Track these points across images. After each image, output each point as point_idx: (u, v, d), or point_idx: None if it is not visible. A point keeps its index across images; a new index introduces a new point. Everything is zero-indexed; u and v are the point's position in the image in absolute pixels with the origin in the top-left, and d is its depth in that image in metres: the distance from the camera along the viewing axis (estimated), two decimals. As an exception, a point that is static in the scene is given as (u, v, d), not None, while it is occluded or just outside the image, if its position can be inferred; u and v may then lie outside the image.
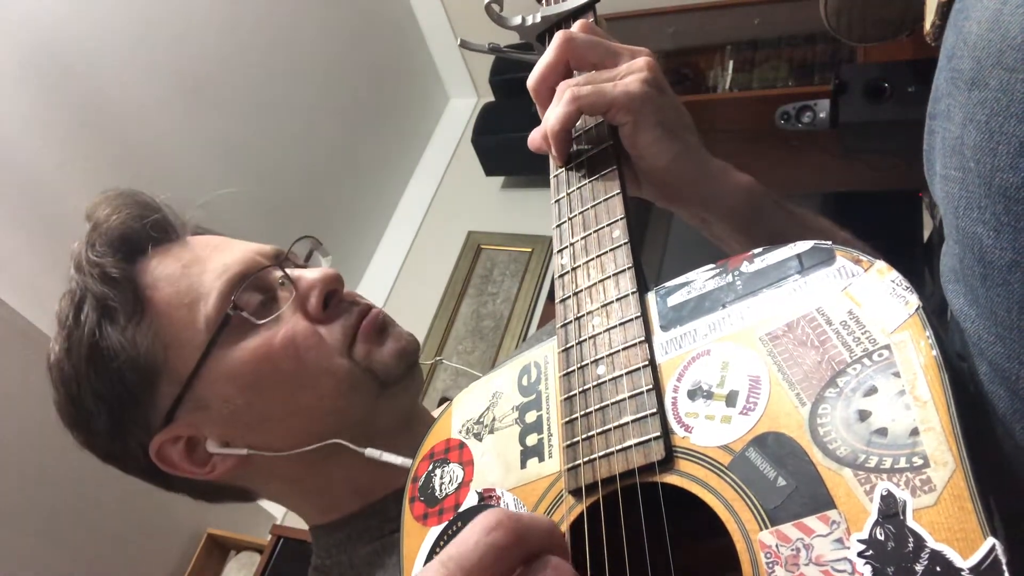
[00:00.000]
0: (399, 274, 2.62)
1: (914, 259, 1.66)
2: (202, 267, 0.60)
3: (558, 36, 0.55)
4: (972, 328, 0.40)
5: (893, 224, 1.81)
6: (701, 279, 0.43)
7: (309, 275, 0.62)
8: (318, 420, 0.60)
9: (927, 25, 0.45)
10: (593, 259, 0.49)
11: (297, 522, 1.83)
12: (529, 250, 2.46)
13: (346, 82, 2.52)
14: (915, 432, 0.32)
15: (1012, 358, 0.37)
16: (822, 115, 1.81)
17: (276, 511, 2.09)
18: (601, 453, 0.41)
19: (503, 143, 2.45)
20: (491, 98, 2.66)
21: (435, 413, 0.70)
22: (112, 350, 0.57)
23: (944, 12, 0.42)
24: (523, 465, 0.45)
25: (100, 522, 1.72)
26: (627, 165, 0.55)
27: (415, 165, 2.86)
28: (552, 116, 0.53)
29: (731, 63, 2.18)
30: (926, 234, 1.75)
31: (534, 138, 0.58)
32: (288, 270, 0.62)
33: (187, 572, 1.93)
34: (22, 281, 1.56)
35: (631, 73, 0.53)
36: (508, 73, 2.51)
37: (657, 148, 0.53)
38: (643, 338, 0.43)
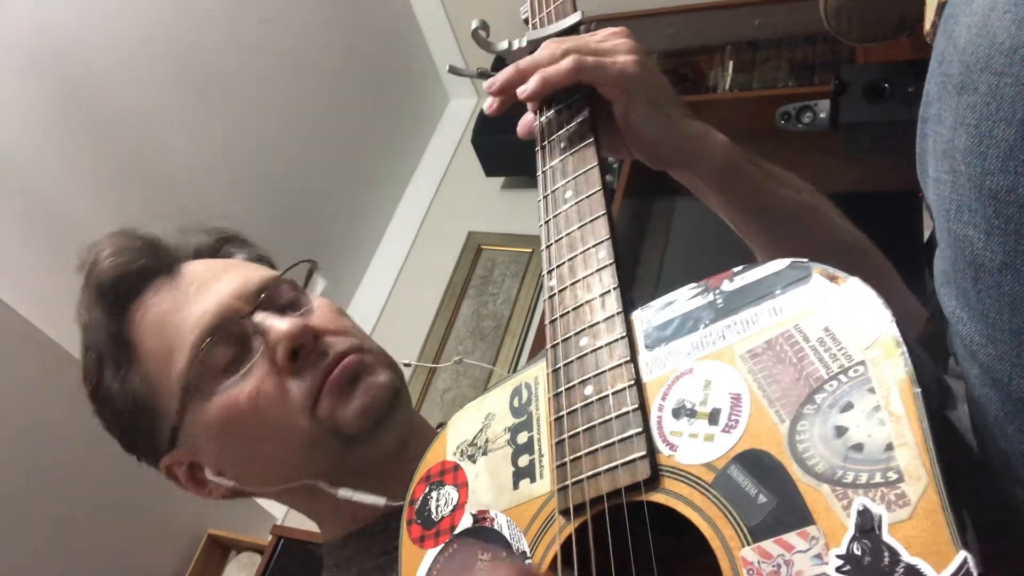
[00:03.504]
0: (399, 274, 2.61)
1: (914, 259, 1.65)
2: (182, 315, 0.61)
3: (533, 82, 0.58)
4: (964, 331, 0.40)
5: (893, 224, 1.81)
6: (683, 298, 0.43)
7: (279, 327, 0.60)
8: (288, 468, 0.62)
9: (927, 25, 0.46)
10: (579, 280, 0.49)
11: (297, 522, 1.84)
12: (529, 250, 2.46)
13: (346, 83, 2.52)
14: (890, 447, 0.32)
15: (1003, 359, 0.38)
16: (822, 115, 1.80)
17: (276, 511, 2.09)
18: (589, 473, 0.41)
19: (503, 143, 2.44)
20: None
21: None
22: (110, 391, 0.63)
23: (944, 12, 0.42)
24: (515, 486, 0.46)
25: (100, 523, 1.73)
26: (616, 135, 0.60)
27: (415, 166, 2.86)
28: (552, 70, 0.57)
29: (731, 63, 2.17)
30: (926, 234, 1.75)
31: (523, 123, 0.63)
32: (263, 317, 0.61)
33: (187, 572, 1.93)
34: (23, 282, 1.57)
35: (619, 52, 0.57)
36: (508, 74, 2.50)
37: (647, 124, 0.58)
38: (628, 358, 0.43)
